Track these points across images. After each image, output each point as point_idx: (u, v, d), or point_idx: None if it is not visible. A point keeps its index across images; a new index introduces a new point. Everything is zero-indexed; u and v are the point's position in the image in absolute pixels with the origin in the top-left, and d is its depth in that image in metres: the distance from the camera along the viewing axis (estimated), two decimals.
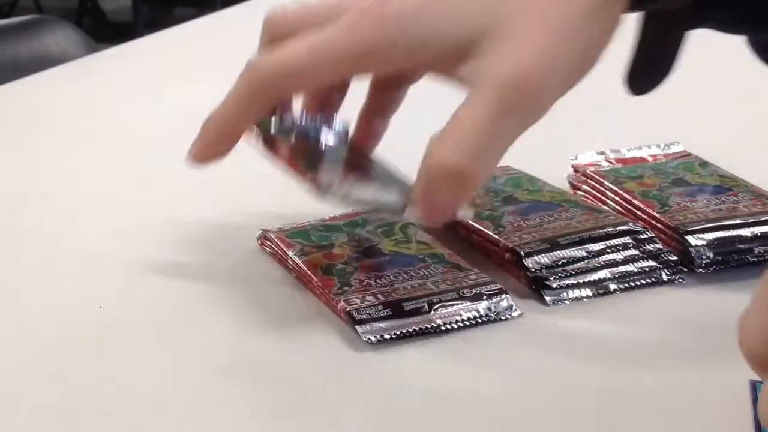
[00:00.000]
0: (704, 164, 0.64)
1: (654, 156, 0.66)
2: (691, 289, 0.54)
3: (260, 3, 1.34)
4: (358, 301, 0.50)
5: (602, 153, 0.67)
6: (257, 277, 0.57)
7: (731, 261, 0.55)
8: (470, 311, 0.51)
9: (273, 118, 0.52)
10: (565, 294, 0.53)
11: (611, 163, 0.66)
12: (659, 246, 0.55)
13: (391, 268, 0.54)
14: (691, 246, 0.55)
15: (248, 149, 0.82)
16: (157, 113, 0.89)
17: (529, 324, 0.51)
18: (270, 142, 0.52)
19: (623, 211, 0.60)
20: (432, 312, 0.50)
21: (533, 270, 0.53)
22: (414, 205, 0.47)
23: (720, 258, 0.54)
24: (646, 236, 0.55)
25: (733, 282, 0.54)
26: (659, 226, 0.57)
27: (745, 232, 0.55)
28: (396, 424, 0.44)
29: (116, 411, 0.45)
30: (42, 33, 1.25)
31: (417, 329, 0.49)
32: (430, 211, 0.47)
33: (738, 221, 0.56)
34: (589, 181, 0.64)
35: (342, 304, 0.50)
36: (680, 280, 0.54)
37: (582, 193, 0.63)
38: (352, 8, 0.47)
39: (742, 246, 0.55)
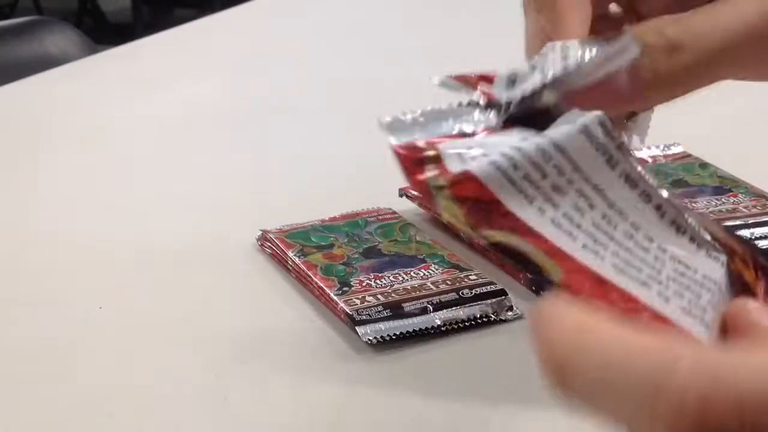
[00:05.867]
0: (704, 165, 0.64)
1: (654, 157, 0.66)
2: None
3: (260, 3, 1.34)
4: (357, 301, 0.50)
5: None
6: (257, 277, 0.57)
7: None
8: (470, 312, 0.51)
9: None
10: None
11: None
12: None
13: (391, 268, 0.54)
14: None
15: (246, 149, 0.82)
16: (157, 114, 0.89)
17: (529, 324, 0.51)
18: None
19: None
20: (432, 313, 0.50)
21: None
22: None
23: None
24: None
25: None
26: None
27: (745, 232, 0.55)
28: (396, 425, 0.44)
29: (116, 411, 0.45)
30: (42, 34, 1.25)
31: (417, 330, 0.49)
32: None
33: (738, 222, 0.56)
34: None
35: (342, 305, 0.50)
36: None
37: None
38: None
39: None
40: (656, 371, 0.24)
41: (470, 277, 0.53)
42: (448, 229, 0.60)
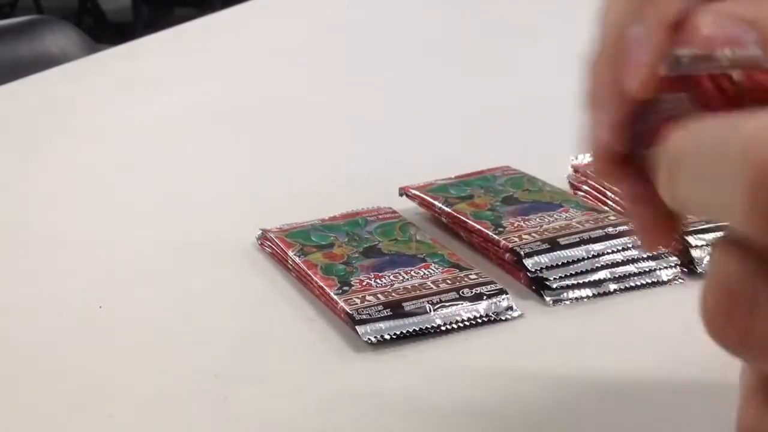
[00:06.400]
0: None
1: None
2: (691, 289, 0.54)
3: (260, 3, 1.34)
4: (358, 301, 0.50)
5: None
6: (257, 277, 0.57)
7: None
8: (470, 311, 0.51)
9: None
10: (565, 294, 0.53)
11: None
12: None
13: (391, 268, 0.54)
14: (691, 246, 0.55)
15: (246, 149, 0.82)
16: (157, 114, 0.90)
17: (529, 324, 0.51)
18: None
19: (623, 211, 0.60)
20: (432, 312, 0.50)
21: (533, 270, 0.53)
22: None
23: None
24: None
25: None
26: None
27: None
28: (396, 425, 0.44)
29: (116, 411, 0.45)
30: (42, 33, 1.25)
31: (417, 329, 0.49)
32: None
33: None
34: (589, 181, 0.64)
35: (342, 304, 0.50)
36: (680, 280, 0.54)
37: (582, 193, 0.63)
38: None
39: None
40: (755, 132, 0.23)
41: (470, 276, 0.53)
42: (448, 228, 0.60)
